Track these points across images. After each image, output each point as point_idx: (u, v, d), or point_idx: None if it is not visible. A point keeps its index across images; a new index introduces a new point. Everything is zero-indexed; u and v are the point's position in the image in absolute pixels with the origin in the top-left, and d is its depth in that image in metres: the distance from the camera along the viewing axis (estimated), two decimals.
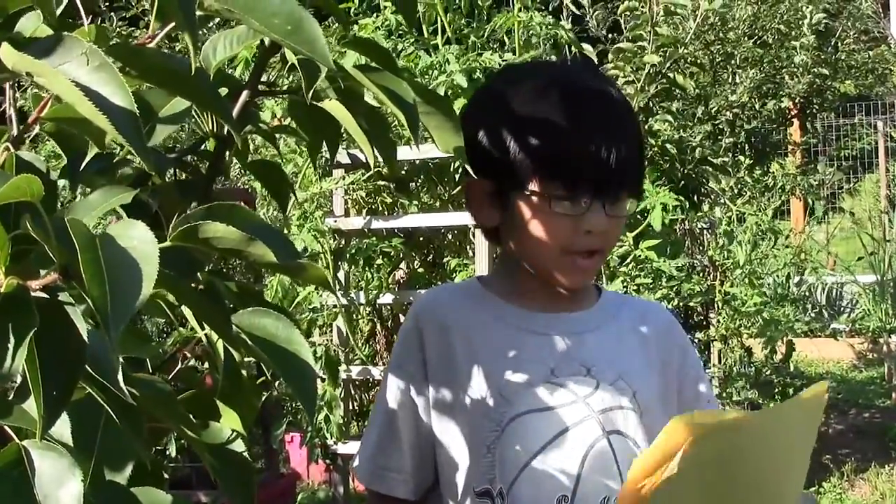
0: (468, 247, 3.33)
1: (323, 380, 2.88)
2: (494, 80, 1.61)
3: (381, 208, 3.22)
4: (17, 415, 0.71)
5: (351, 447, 3.33)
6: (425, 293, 1.61)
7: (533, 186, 1.29)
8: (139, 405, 0.74)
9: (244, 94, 1.04)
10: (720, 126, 5.93)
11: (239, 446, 1.10)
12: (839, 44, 7.26)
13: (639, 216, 3.34)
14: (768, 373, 4.97)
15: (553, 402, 1.31)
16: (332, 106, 1.04)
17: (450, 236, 3.39)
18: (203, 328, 0.97)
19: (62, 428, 0.72)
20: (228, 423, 1.11)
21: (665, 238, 3.27)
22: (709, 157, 4.08)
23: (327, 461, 3.36)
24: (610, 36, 5.83)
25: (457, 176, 3.23)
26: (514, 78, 1.43)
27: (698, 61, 4.41)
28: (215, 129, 1.07)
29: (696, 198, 4.29)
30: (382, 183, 3.09)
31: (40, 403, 0.62)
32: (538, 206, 1.30)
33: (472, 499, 1.33)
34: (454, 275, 3.15)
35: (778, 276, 5.62)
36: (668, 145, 3.86)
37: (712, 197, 5.31)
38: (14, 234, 0.67)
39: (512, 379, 1.32)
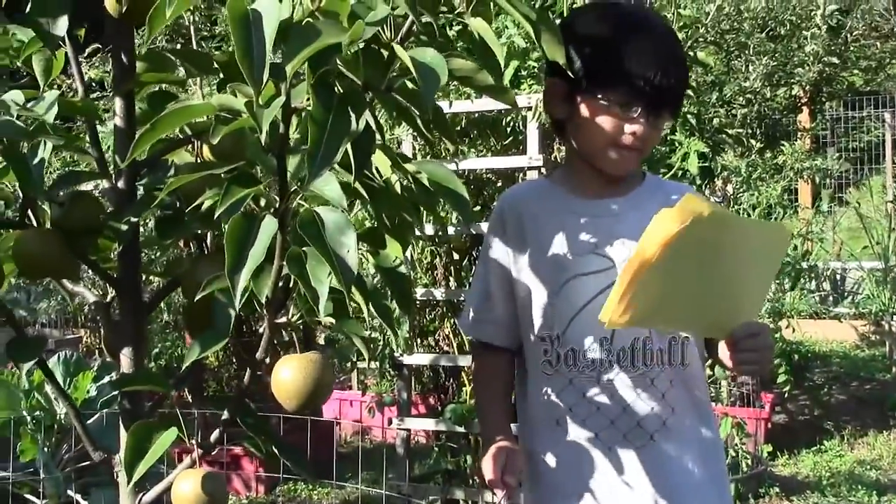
0: None
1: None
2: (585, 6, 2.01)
3: (443, 154, 3.66)
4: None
5: (415, 359, 3.80)
6: (506, 191, 2.03)
7: (598, 94, 1.70)
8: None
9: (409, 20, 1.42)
10: (733, 112, 6.31)
11: (402, 268, 1.53)
12: (848, 36, 7.62)
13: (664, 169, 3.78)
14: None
15: (596, 267, 1.73)
16: (477, 24, 1.41)
17: (499, 183, 3.84)
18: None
19: (342, 200, 1.14)
20: (393, 252, 1.53)
21: None
22: (725, 129, 4.47)
23: (394, 371, 3.82)
24: None
25: (508, 129, 3.68)
26: (595, 10, 1.87)
27: (717, 41, 4.80)
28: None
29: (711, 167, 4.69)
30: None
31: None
32: (598, 109, 1.71)
33: (537, 342, 1.78)
34: None
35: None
36: (689, 116, 4.26)
37: (725, 175, 5.72)
38: None
39: (567, 251, 1.76)
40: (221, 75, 1.65)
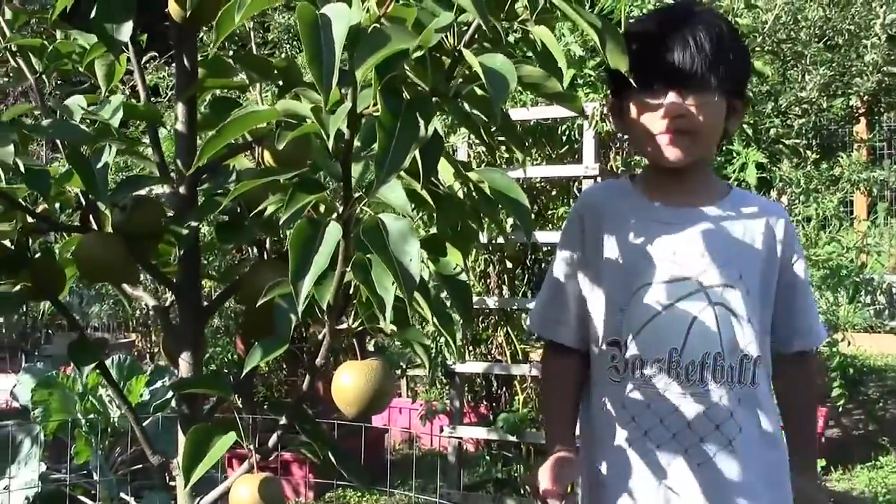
0: (570, 199, 3.79)
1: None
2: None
3: (499, 162, 3.65)
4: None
5: (467, 367, 3.80)
6: (586, 189, 2.03)
7: (630, 92, 1.69)
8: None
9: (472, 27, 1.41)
10: (789, 123, 6.21)
11: (462, 276, 1.51)
12: None
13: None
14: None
15: (672, 276, 1.70)
16: (540, 31, 1.40)
17: (554, 192, 3.82)
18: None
19: (406, 207, 1.14)
20: (454, 259, 1.52)
21: None
22: (782, 139, 4.40)
23: (446, 380, 3.82)
24: None
25: (563, 137, 3.67)
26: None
27: (774, 50, 4.74)
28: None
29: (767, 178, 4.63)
30: (501, 138, 3.49)
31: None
32: (634, 106, 1.70)
33: (605, 347, 1.75)
34: (562, 221, 3.62)
35: (842, 259, 5.91)
36: (746, 126, 4.21)
37: (780, 185, 5.63)
38: None
39: (643, 257, 1.72)
40: (281, 82, 1.67)
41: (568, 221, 1.87)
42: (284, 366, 5.82)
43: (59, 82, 1.70)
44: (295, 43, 7.47)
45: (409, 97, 1.08)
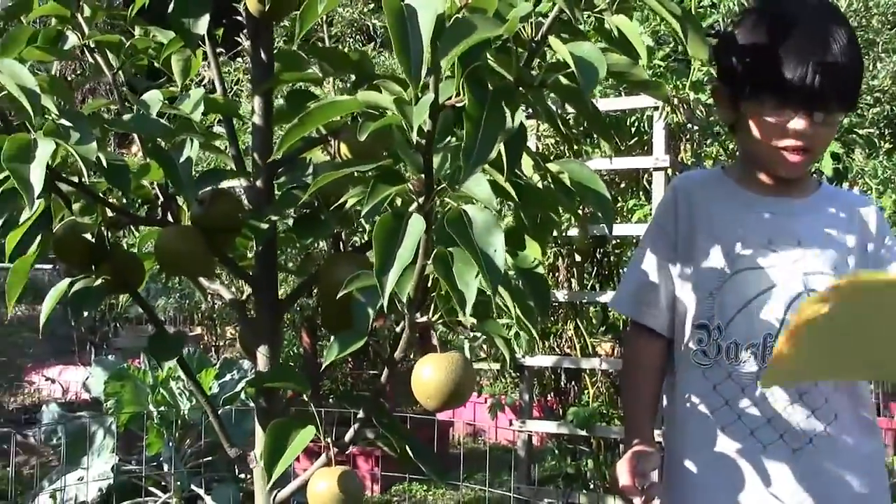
0: (640, 191, 3.75)
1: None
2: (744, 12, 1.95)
3: (567, 154, 3.62)
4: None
5: (537, 360, 3.79)
6: (681, 175, 2.03)
7: (756, 98, 1.68)
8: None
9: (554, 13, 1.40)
10: (861, 112, 6.07)
11: (539, 269, 1.50)
12: None
13: None
14: None
15: (768, 263, 1.70)
16: (619, 20, 1.38)
17: (622, 185, 3.78)
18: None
19: (491, 200, 1.12)
20: (532, 253, 1.50)
21: None
22: (855, 129, 4.31)
23: (516, 373, 3.80)
24: None
25: (632, 129, 3.63)
26: (752, 15, 1.79)
27: None
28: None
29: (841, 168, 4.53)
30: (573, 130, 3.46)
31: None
32: (757, 111, 1.68)
33: (692, 330, 1.75)
34: (631, 214, 3.58)
35: None
36: None
37: (850, 177, 5.52)
38: None
39: (737, 244, 1.72)
40: (353, 75, 1.66)
41: (660, 206, 1.88)
42: (349, 359, 5.84)
43: (124, 81, 1.71)
44: (358, 37, 7.49)
45: (493, 87, 1.06)
